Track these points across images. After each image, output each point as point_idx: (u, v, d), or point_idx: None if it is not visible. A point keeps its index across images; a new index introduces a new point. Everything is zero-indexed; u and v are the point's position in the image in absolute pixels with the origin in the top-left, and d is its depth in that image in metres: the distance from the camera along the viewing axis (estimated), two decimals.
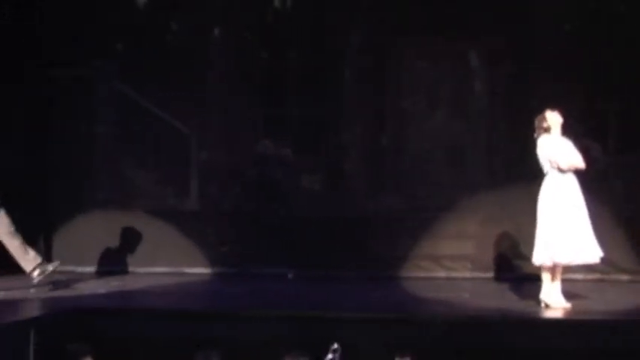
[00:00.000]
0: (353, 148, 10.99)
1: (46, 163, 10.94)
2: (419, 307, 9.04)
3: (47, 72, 10.92)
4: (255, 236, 10.65)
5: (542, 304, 8.27)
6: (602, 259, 8.36)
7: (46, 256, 10.16)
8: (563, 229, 8.08)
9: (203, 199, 11.12)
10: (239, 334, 7.67)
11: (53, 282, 9.19)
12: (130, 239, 10.68)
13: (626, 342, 7.43)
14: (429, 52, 10.84)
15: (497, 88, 10.72)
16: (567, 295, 8.33)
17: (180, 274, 10.57)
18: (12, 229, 8.96)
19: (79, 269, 10.60)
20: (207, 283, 10.39)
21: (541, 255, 8.21)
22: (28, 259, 9.00)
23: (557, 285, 8.28)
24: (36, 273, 9.00)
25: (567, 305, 8.23)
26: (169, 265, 10.70)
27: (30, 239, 9.31)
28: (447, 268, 10.52)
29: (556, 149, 8.23)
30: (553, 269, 8.23)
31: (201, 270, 10.70)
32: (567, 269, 8.42)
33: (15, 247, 8.96)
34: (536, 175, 8.37)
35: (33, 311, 8.30)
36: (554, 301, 8.22)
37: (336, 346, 6.37)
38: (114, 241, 10.73)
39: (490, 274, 10.34)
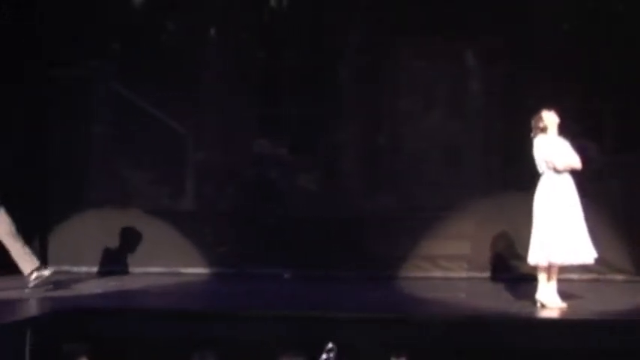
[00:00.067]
0: (349, 148, 10.98)
1: (45, 162, 10.95)
2: (415, 307, 9.04)
3: (47, 72, 10.93)
4: (252, 236, 10.65)
5: (538, 304, 8.28)
6: (598, 259, 8.38)
7: (43, 256, 10.20)
8: (559, 230, 8.09)
9: (200, 199, 11.12)
10: (236, 335, 7.69)
11: (50, 282, 9.18)
12: (127, 239, 10.68)
13: (622, 342, 7.46)
14: (427, 51, 10.83)
15: (493, 87, 10.71)
16: (563, 295, 8.34)
17: (177, 274, 10.58)
18: (13, 229, 8.97)
19: (76, 269, 10.62)
20: (203, 283, 10.39)
21: (536, 255, 8.23)
22: (26, 262, 9.01)
23: (553, 285, 8.29)
24: (33, 277, 9.01)
25: (563, 305, 8.24)
26: (166, 265, 10.71)
27: (28, 238, 9.32)
28: (444, 268, 10.52)
29: (552, 150, 8.24)
30: (549, 269, 8.24)
31: (198, 270, 10.70)
32: (563, 269, 8.42)
33: (16, 248, 8.98)
34: (532, 175, 8.37)
35: (29, 311, 8.33)
36: (550, 301, 8.24)
37: (330, 345, 6.37)
38: (110, 241, 10.74)
39: (486, 274, 10.35)
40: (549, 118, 8.33)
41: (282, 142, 10.97)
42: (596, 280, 9.89)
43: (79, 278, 10.11)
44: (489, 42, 10.65)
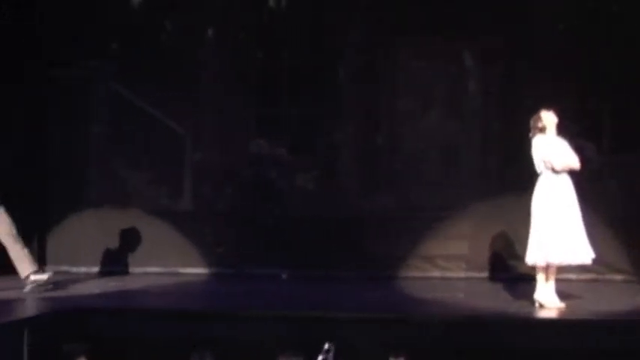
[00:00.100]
0: (348, 148, 10.99)
1: (45, 162, 10.96)
2: (414, 307, 9.03)
3: (47, 72, 10.94)
4: (251, 236, 10.66)
5: (537, 304, 8.28)
6: (597, 259, 8.37)
7: (42, 256, 10.20)
8: (557, 230, 8.09)
9: (199, 199, 11.13)
10: (235, 335, 7.69)
11: (48, 284, 9.17)
12: (126, 239, 10.68)
13: (620, 342, 7.45)
14: (427, 51, 10.84)
15: (492, 87, 10.72)
16: (561, 294, 8.34)
17: (176, 274, 10.58)
18: (13, 231, 8.94)
19: (75, 269, 10.63)
20: (203, 283, 10.40)
21: (534, 255, 8.23)
22: (24, 265, 8.98)
23: (552, 285, 8.29)
24: (30, 280, 8.99)
25: (561, 305, 8.24)
26: (165, 265, 10.71)
27: (27, 238, 9.31)
28: (442, 268, 10.52)
29: (551, 150, 8.24)
30: (547, 269, 8.24)
31: (197, 270, 10.71)
32: (561, 269, 8.41)
33: (15, 250, 8.94)
34: (531, 175, 8.37)
35: (28, 311, 8.32)
36: (548, 301, 8.24)
37: (327, 346, 6.36)
38: (110, 241, 10.74)
39: (485, 274, 10.35)
40: (548, 118, 8.33)
41: (281, 142, 10.97)
42: (595, 280, 9.88)
43: (78, 278, 10.12)
44: (489, 42, 10.66)
